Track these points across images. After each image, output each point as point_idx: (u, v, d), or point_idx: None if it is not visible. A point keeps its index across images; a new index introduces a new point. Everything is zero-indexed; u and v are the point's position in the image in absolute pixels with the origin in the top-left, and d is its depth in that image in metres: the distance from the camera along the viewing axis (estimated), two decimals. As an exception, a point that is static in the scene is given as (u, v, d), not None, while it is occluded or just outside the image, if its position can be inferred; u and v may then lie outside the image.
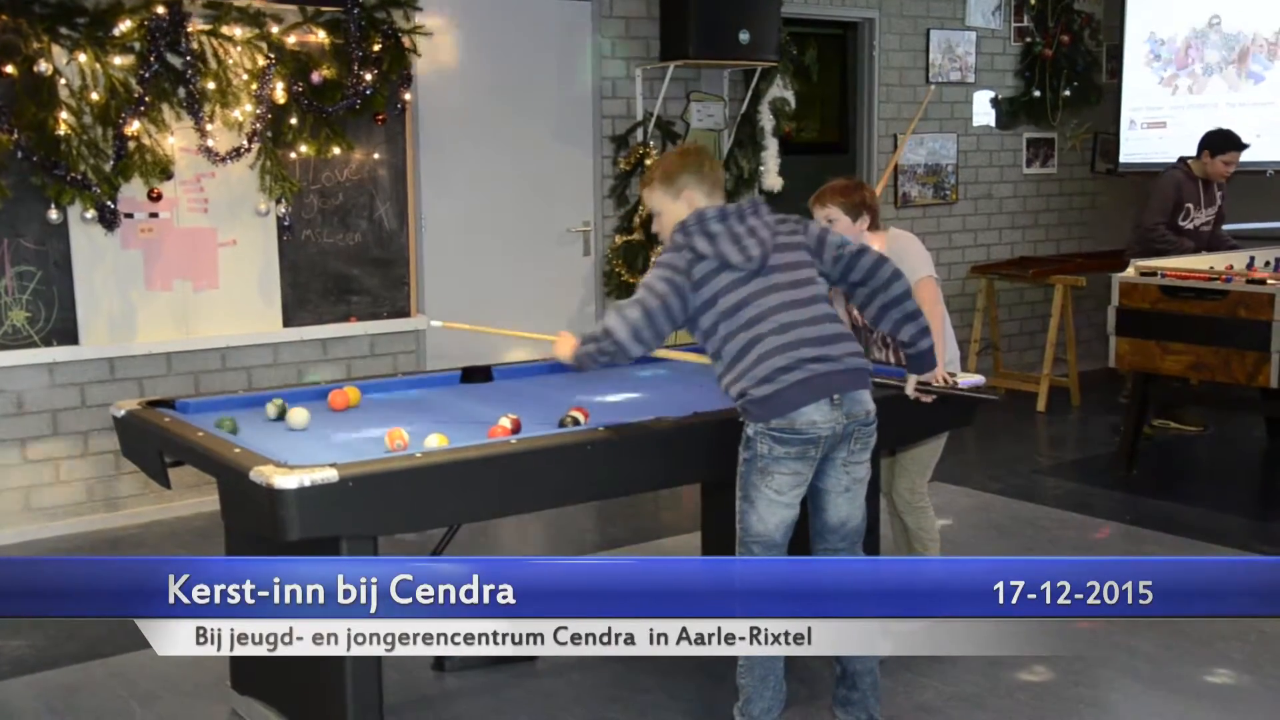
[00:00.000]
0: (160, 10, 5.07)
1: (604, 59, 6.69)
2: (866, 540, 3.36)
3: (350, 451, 3.20)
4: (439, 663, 3.98)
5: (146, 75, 5.09)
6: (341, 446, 3.29)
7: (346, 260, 5.88)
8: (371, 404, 3.84)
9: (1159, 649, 4.09)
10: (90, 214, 5.15)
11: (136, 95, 5.08)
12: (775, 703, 3.37)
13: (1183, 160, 6.75)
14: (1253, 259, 6.25)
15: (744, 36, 6.51)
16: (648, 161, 6.63)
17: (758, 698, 3.34)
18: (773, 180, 7.11)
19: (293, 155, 5.57)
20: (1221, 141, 6.62)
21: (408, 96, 5.83)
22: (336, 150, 5.63)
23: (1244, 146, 6.62)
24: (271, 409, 3.60)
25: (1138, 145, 8.34)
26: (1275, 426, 6.91)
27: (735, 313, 3.15)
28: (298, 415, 3.49)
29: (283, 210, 5.63)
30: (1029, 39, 8.38)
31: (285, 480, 2.83)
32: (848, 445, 3.20)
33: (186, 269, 5.52)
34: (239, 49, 5.31)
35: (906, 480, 4.22)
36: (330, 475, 2.87)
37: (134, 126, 5.10)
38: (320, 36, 5.51)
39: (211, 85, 5.25)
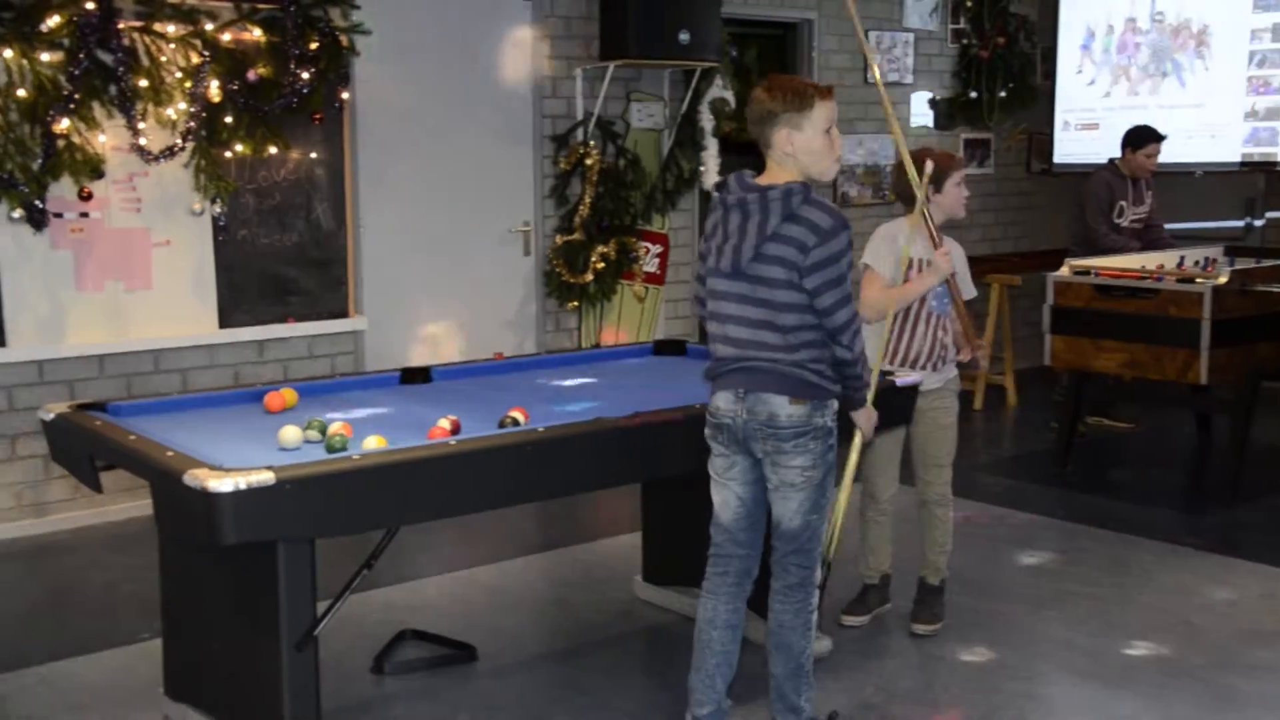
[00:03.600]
0: (90, 6, 4.98)
1: (544, 58, 6.67)
2: (802, 555, 3.29)
3: (287, 454, 3.17)
4: (378, 665, 3.95)
5: (76, 72, 4.99)
6: (275, 447, 3.25)
7: (283, 261, 5.82)
8: (309, 405, 3.80)
9: (1093, 641, 4.15)
10: (18, 214, 5.05)
11: (66, 92, 4.99)
12: (705, 697, 3.36)
13: (1111, 161, 6.86)
14: (1183, 258, 6.37)
15: (684, 37, 6.52)
16: (588, 161, 6.62)
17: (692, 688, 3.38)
18: (713, 180, 7.12)
19: (228, 154, 5.50)
20: (1141, 136, 6.74)
21: (346, 95, 5.77)
22: (273, 149, 5.56)
23: (1162, 138, 6.74)
24: (314, 432, 3.34)
25: (1072, 146, 8.47)
26: (1204, 422, 7.04)
27: (711, 301, 3.28)
28: (289, 434, 3.30)
29: (218, 210, 5.56)
30: (965, 41, 8.47)
31: (220, 484, 2.79)
32: (760, 444, 3.21)
33: (119, 270, 5.43)
34: (172, 46, 5.23)
35: (944, 474, 4.27)
36: (266, 478, 2.84)
37: (63, 124, 5.01)
38: (256, 34, 5.44)
39: (144, 83, 5.16)
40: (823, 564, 3.42)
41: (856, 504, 4.26)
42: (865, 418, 3.43)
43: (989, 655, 4.06)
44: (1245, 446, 5.85)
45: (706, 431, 3.33)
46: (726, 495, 3.32)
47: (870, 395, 3.45)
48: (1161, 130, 6.79)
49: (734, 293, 3.20)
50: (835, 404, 3.25)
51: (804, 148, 3.14)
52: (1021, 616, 4.38)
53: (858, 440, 3.56)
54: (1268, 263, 6.00)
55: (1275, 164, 7.70)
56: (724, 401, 3.25)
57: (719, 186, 3.32)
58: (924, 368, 4.15)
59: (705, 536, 4.35)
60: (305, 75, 5.49)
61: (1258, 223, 8.07)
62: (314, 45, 5.53)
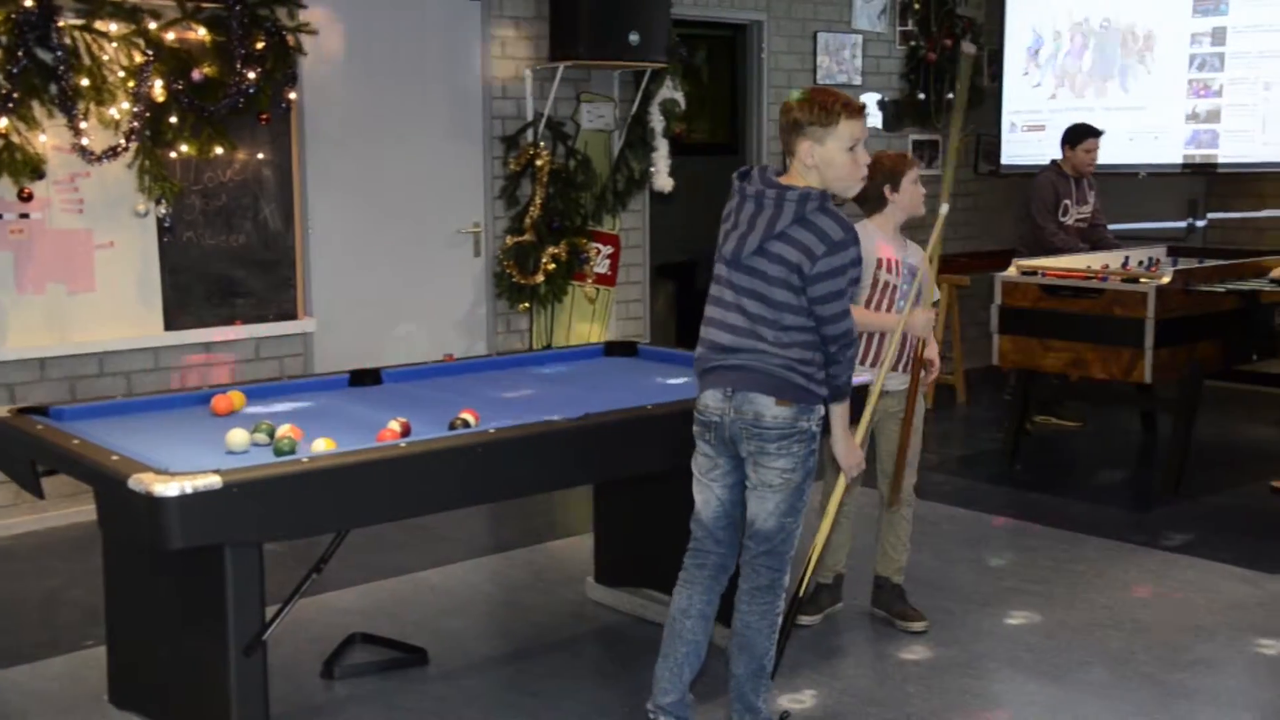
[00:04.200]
0: (29, 3, 4.90)
1: (494, 59, 6.65)
2: (774, 557, 3.29)
3: (235, 457, 3.14)
4: (328, 670, 3.92)
5: (15, 70, 4.91)
6: (222, 450, 3.21)
7: (230, 262, 5.76)
8: (257, 408, 3.76)
9: (1042, 639, 4.20)
10: (-43, 215, 4.97)
11: (4, 91, 4.90)
12: (670, 685, 3.38)
13: (1054, 161, 6.95)
14: (1127, 258, 6.45)
15: (634, 38, 6.52)
16: (538, 162, 6.61)
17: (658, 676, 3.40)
18: (664, 181, 7.13)
19: (173, 155, 5.43)
20: (1078, 133, 6.83)
21: (293, 96, 5.72)
22: (219, 150, 5.50)
23: (1099, 133, 6.83)
24: (262, 435, 3.31)
25: (1018, 147, 8.56)
26: (1149, 420, 7.14)
27: (714, 286, 3.31)
28: (236, 437, 3.26)
29: (163, 211, 5.49)
30: (913, 43, 8.54)
31: (166, 488, 2.76)
32: (744, 443, 3.23)
33: (60, 271, 5.35)
34: (114, 45, 5.16)
35: (910, 475, 4.29)
36: (213, 482, 2.81)
37: (2, 123, 4.92)
38: (201, 33, 5.38)
39: (85, 82, 5.09)
40: (800, 586, 3.47)
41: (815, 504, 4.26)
42: (845, 453, 3.40)
43: (938, 653, 4.09)
44: (1188, 444, 5.93)
45: (695, 429, 3.34)
46: (708, 495, 3.35)
47: (860, 435, 3.51)
48: (1103, 130, 6.89)
49: (733, 282, 3.23)
50: (822, 409, 3.26)
51: (825, 161, 3.17)
52: (970, 614, 4.42)
53: (843, 480, 3.56)
54: (1209, 263, 6.10)
55: (1216, 166, 7.83)
56: (712, 400, 3.27)
57: (741, 175, 3.29)
58: (894, 369, 4.15)
59: (657, 537, 4.37)
60: (251, 75, 5.43)
61: (1199, 223, 8.20)
62: (260, 45, 5.47)
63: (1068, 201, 6.84)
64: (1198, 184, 8.23)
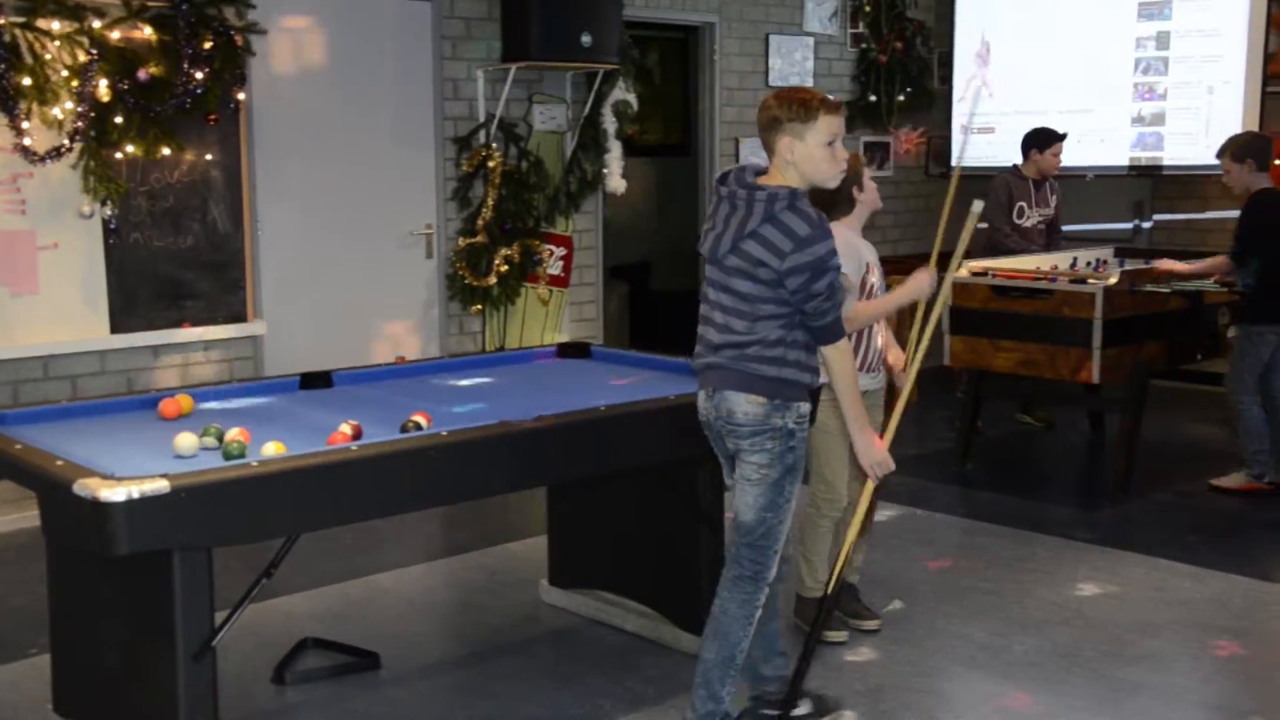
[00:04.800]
0: (-30, 1, 4.83)
1: (445, 60, 6.62)
2: (754, 550, 3.31)
3: (183, 461, 3.10)
4: (279, 675, 3.88)
5: (-44, 70, 4.84)
6: (170, 455, 3.17)
7: (178, 264, 5.69)
8: (205, 412, 3.72)
9: (991, 636, 4.23)
10: (-103, 216, 4.88)
11: (-55, 91, 4.83)
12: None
13: (1014, 166, 7.02)
14: (1075, 259, 6.53)
15: (586, 39, 6.51)
16: (490, 163, 6.58)
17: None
18: (616, 182, 7.13)
19: (119, 155, 5.36)
20: (1044, 137, 6.90)
21: (241, 96, 5.67)
22: (166, 150, 5.44)
23: (1064, 136, 6.92)
24: (211, 439, 3.27)
25: (969, 149, 8.60)
26: (1097, 420, 7.22)
27: (704, 285, 3.40)
28: (184, 441, 3.22)
29: (109, 212, 5.42)
30: (864, 45, 8.59)
31: (112, 493, 2.71)
32: (727, 440, 3.33)
33: (3, 273, 5.26)
34: (57, 44, 5.09)
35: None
36: (161, 486, 2.77)
37: (-57, 123, 4.85)
38: (147, 33, 5.32)
39: (27, 81, 5.01)
40: (828, 587, 3.49)
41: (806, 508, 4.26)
42: (862, 451, 3.41)
43: (889, 651, 4.11)
44: (1135, 443, 6.00)
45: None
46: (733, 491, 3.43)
47: (889, 435, 3.55)
48: (1066, 134, 6.98)
49: (713, 280, 3.33)
50: (801, 407, 3.28)
51: (804, 156, 3.23)
52: (921, 613, 4.44)
53: (870, 486, 3.55)
54: (1155, 264, 6.17)
55: (1161, 168, 7.94)
56: (700, 400, 3.40)
57: (721, 178, 3.35)
58: (874, 370, 4.15)
59: (611, 539, 4.37)
60: (199, 75, 5.38)
61: (1145, 225, 8.31)
62: (208, 45, 5.42)
63: (1024, 204, 6.90)
64: (1143, 186, 8.35)
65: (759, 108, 3.34)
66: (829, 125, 3.22)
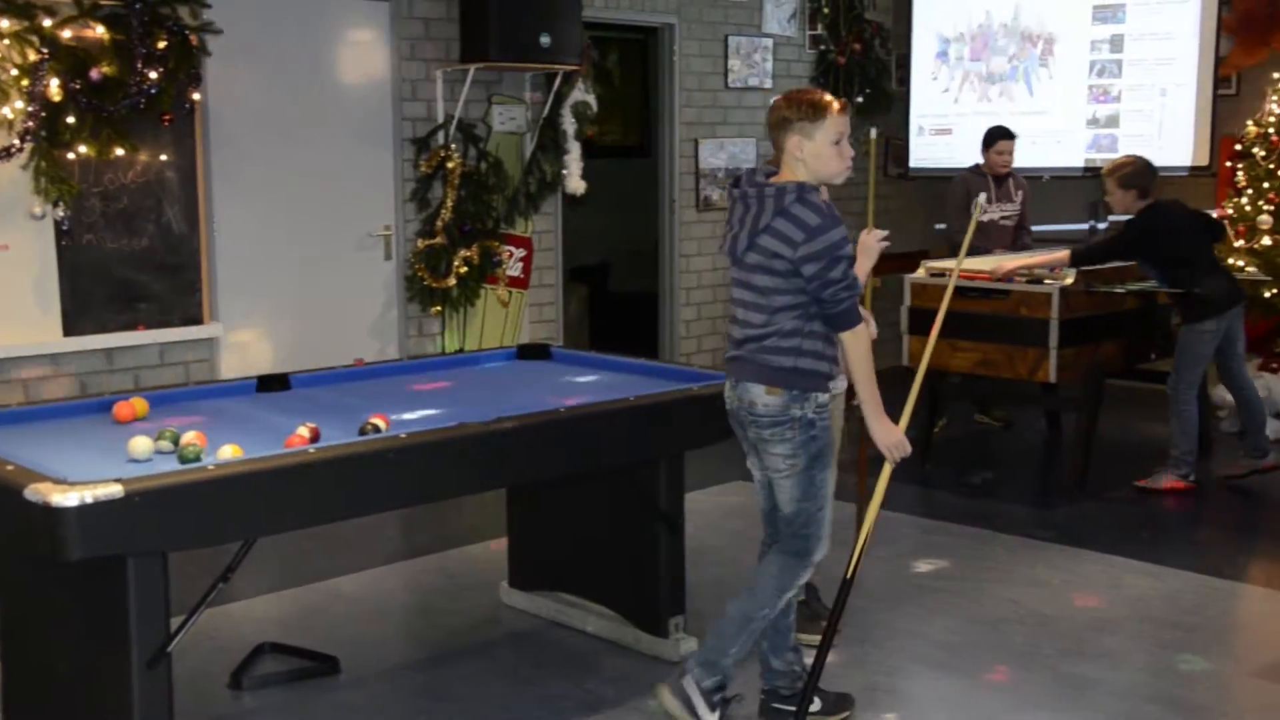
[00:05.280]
0: (-85, -2, 4.75)
1: (403, 60, 6.58)
2: (798, 539, 3.45)
3: (138, 465, 3.06)
4: (235, 681, 3.85)
5: (-97, 68, 4.76)
6: (125, 459, 3.14)
7: (133, 266, 5.62)
8: (161, 415, 3.68)
9: (949, 634, 4.26)
10: None
11: (-108, 90, 4.75)
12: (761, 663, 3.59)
13: (976, 165, 7.11)
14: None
15: (545, 40, 6.50)
16: (449, 164, 6.56)
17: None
18: (576, 183, 7.12)
19: (71, 156, 5.29)
20: (990, 135, 6.99)
21: (197, 96, 5.61)
22: (120, 151, 5.37)
23: (1011, 135, 6.98)
24: (166, 443, 3.24)
25: (926, 151, 8.69)
26: (1054, 419, 7.29)
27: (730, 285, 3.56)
28: (139, 444, 3.19)
29: (61, 214, 5.34)
30: (823, 47, 8.62)
31: (64, 498, 2.68)
32: (748, 430, 3.45)
33: (-45, 276, 5.19)
34: (6, 42, 5.01)
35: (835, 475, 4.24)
36: (115, 491, 2.74)
37: (-110, 123, 4.76)
38: (99, 32, 5.25)
39: (-23, 80, 4.94)
40: (849, 571, 3.55)
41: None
42: (880, 435, 3.49)
43: (848, 651, 4.13)
44: (1091, 442, 6.06)
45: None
46: (755, 478, 3.58)
47: (904, 421, 3.63)
48: (1016, 134, 7.04)
49: (736, 278, 3.48)
50: (821, 397, 3.40)
51: (812, 154, 3.38)
52: (881, 612, 4.47)
53: (888, 469, 3.60)
54: (1110, 265, 6.24)
55: (1116, 169, 8.00)
56: (726, 390, 3.54)
57: (734, 181, 3.50)
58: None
59: (571, 541, 4.37)
60: (153, 75, 5.31)
61: (1100, 226, 8.38)
62: (162, 44, 5.35)
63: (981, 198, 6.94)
64: (1098, 187, 8.41)
65: (769, 108, 3.49)
66: (836, 124, 3.38)
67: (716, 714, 3.46)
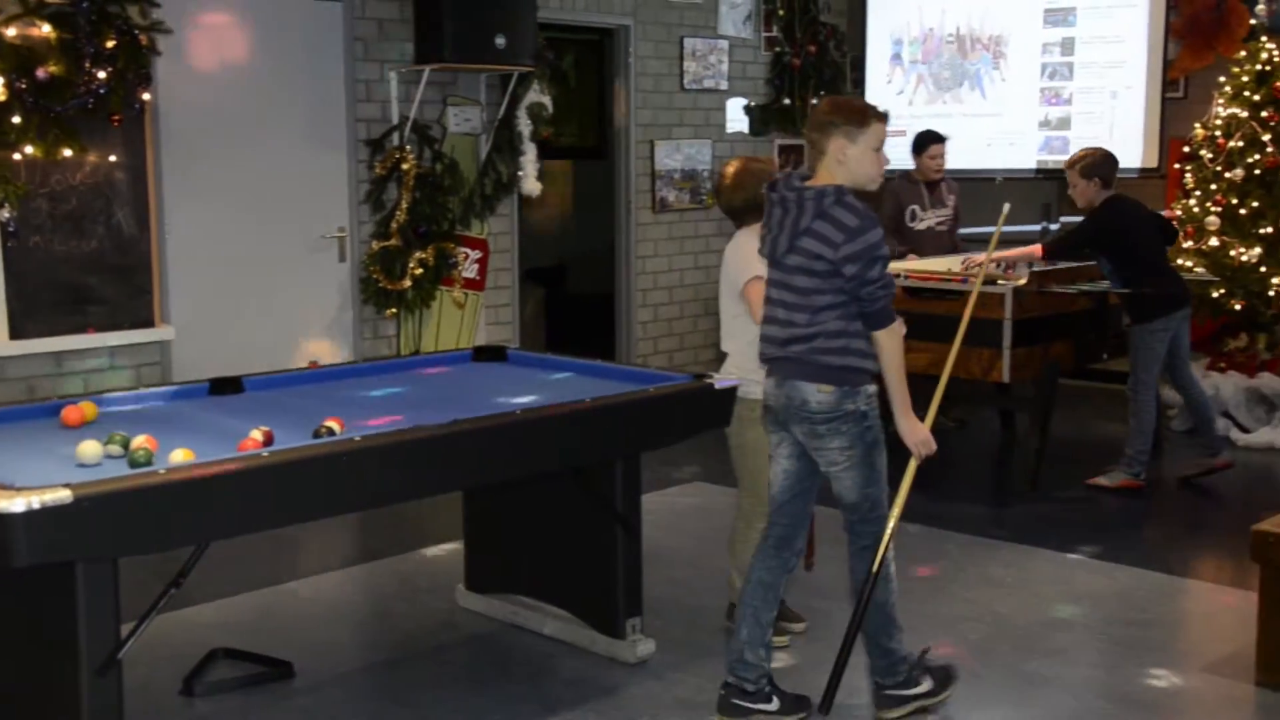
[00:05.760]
0: None
1: (357, 61, 6.54)
2: (868, 523, 3.58)
3: (87, 470, 3.02)
4: (188, 687, 3.80)
5: None
6: (73, 463, 3.10)
7: (82, 268, 5.55)
8: (110, 419, 3.63)
9: (906, 634, 4.26)
10: None
11: None
12: (733, 646, 3.65)
13: (906, 171, 7.09)
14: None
15: (500, 41, 6.48)
16: (404, 166, 6.52)
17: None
18: (532, 185, 7.11)
19: (17, 156, 5.22)
20: (922, 140, 6.96)
21: (147, 96, 5.54)
22: (68, 152, 5.31)
23: (943, 139, 6.97)
24: (115, 447, 3.20)
25: (880, 153, 8.72)
26: (1008, 419, 7.35)
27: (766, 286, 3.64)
28: (88, 449, 3.15)
29: (7, 215, 5.27)
30: (778, 49, 8.65)
31: (11, 504, 2.64)
32: (797, 427, 3.52)
33: (-102, 278, 5.10)
34: (-51, 40, 4.94)
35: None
36: (64, 496, 2.70)
37: None
38: (46, 30, 5.18)
39: (-80, 79, 4.86)
40: (876, 562, 3.59)
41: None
42: (907, 431, 3.56)
43: (806, 650, 4.14)
44: (1045, 441, 6.12)
45: (760, 413, 3.70)
46: (776, 469, 3.64)
47: (929, 419, 3.66)
48: (961, 136, 7.05)
49: (775, 279, 3.56)
50: (868, 388, 3.49)
51: (854, 158, 3.48)
52: (839, 611, 4.46)
53: (913, 465, 3.64)
54: (1062, 265, 6.30)
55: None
56: (769, 388, 3.60)
57: (770, 185, 3.59)
58: None
59: (527, 543, 4.35)
60: (102, 75, 5.25)
61: (1053, 227, 8.47)
62: (111, 43, 5.29)
63: (915, 207, 6.97)
64: (1051, 188, 8.51)
65: (813, 111, 3.60)
66: (879, 132, 3.51)
67: (926, 680, 3.67)
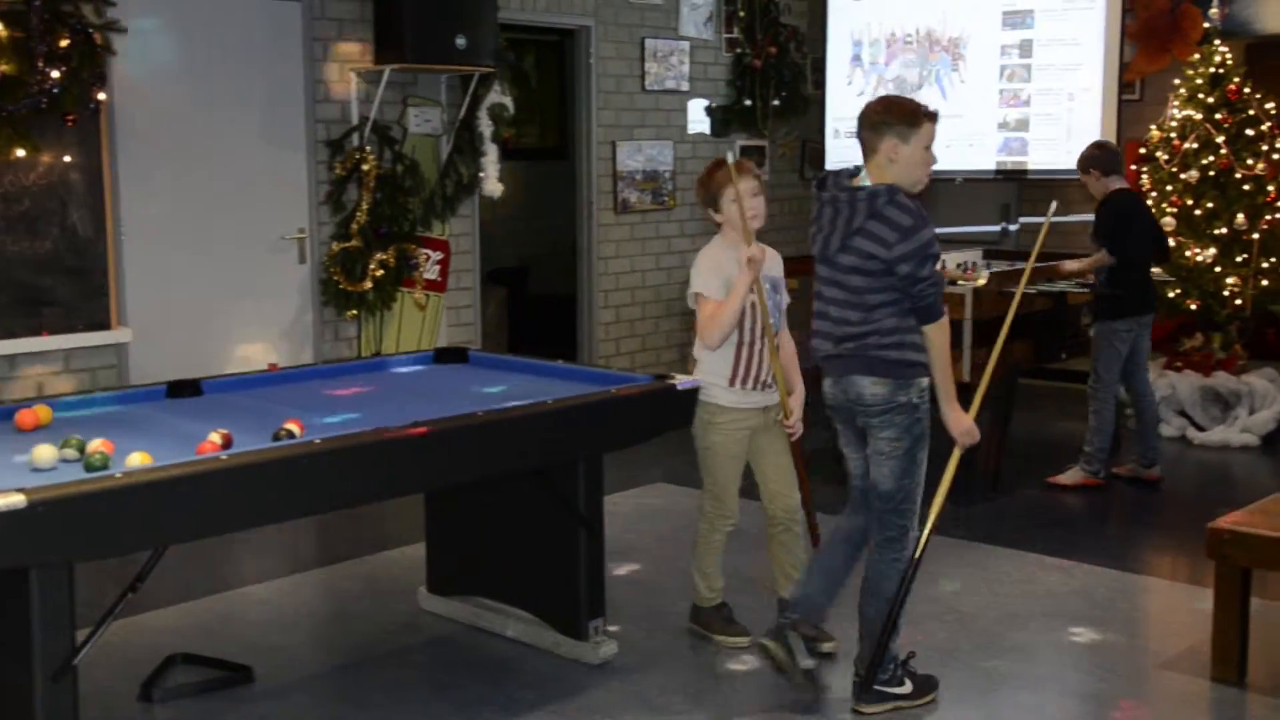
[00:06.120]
0: None
1: (316, 62, 6.50)
2: (896, 514, 3.69)
3: (41, 474, 2.98)
4: (145, 693, 3.76)
5: None
6: (28, 468, 3.05)
7: (36, 270, 5.48)
8: (65, 423, 3.59)
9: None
10: None
11: None
12: (801, 577, 3.91)
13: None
14: (944, 262, 6.66)
15: (461, 42, 6.45)
16: (365, 167, 6.49)
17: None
18: (493, 186, 7.08)
19: (-30, 157, 5.15)
20: None
21: (102, 96, 5.48)
22: (21, 152, 5.24)
23: None
24: (71, 451, 3.16)
25: (842, 153, 8.76)
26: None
27: (815, 284, 3.73)
28: (43, 453, 3.11)
29: (-40, 216, 5.20)
30: (739, 50, 8.67)
31: (-37, 509, 2.60)
32: (858, 419, 3.66)
33: None
34: (-102, 39, 4.87)
35: (796, 490, 4.18)
36: (17, 501, 2.66)
37: None
38: (-2, 29, 5.12)
39: None
40: (918, 549, 3.71)
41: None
42: (952, 422, 3.69)
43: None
44: (1005, 440, 6.16)
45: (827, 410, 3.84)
46: (850, 466, 3.83)
47: (973, 409, 3.76)
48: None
49: (826, 277, 3.64)
50: (922, 382, 3.60)
51: (905, 158, 3.55)
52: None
53: (956, 454, 3.76)
54: (1021, 265, 6.35)
55: (1026, 173, 8.17)
56: (828, 387, 3.72)
57: (819, 184, 3.66)
58: (768, 387, 4.05)
59: (489, 545, 4.34)
60: (55, 74, 5.18)
61: (1012, 228, 8.54)
62: (64, 42, 5.22)
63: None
64: (1010, 189, 8.58)
65: (864, 111, 3.62)
66: (929, 132, 3.58)
67: (907, 683, 3.72)
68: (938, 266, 3.60)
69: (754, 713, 3.73)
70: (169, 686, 3.81)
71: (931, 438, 3.71)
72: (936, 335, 3.57)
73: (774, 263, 4.13)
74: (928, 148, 3.58)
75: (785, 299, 4.18)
